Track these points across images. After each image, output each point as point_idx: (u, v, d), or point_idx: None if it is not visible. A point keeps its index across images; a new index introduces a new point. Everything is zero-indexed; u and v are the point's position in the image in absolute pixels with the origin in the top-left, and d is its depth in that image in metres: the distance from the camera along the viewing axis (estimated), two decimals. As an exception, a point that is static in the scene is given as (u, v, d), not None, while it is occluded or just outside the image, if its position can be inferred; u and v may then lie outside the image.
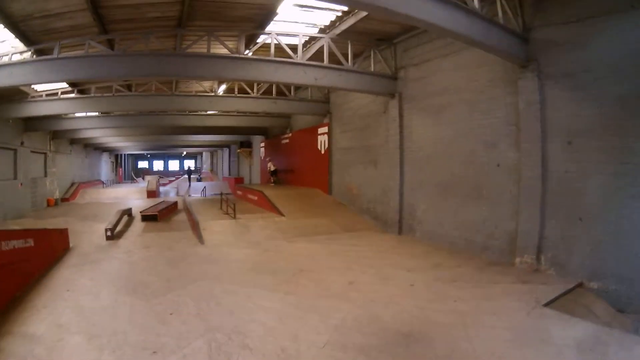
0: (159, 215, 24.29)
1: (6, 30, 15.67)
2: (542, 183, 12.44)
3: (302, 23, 17.55)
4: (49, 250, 14.31)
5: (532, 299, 9.76)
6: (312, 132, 29.39)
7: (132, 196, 43.62)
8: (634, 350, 7.17)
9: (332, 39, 17.37)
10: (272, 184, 34.29)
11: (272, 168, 35.25)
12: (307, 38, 17.82)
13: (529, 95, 12.77)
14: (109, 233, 18.84)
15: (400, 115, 18.98)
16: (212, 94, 26.39)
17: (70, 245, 16.95)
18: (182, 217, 25.63)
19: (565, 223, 11.90)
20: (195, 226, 20.43)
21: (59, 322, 8.81)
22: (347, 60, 17.78)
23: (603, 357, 6.98)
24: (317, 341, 7.81)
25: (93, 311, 9.54)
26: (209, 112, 32.28)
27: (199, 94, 26.24)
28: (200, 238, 18.40)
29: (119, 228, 21.00)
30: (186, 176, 61.36)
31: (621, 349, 7.22)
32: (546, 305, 9.51)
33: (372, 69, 19.29)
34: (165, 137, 46.95)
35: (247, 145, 49.52)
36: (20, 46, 16.84)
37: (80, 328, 8.52)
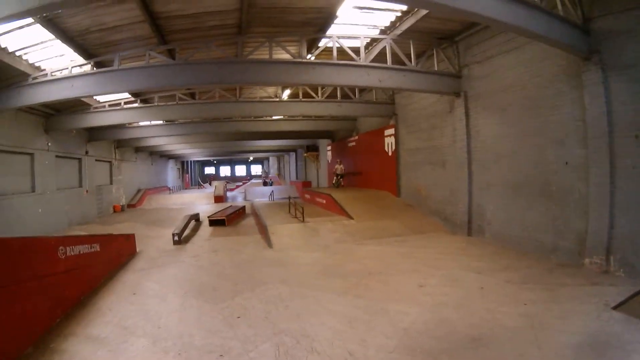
0: (227, 220, 24.72)
1: (64, 44, 16.17)
2: (611, 180, 12.07)
3: (363, 25, 17.56)
4: (115, 255, 14.79)
5: (601, 302, 9.51)
6: (379, 133, 29.28)
7: (199, 201, 44.52)
8: None
9: (394, 40, 17.29)
10: (334, 185, 34.77)
11: (339, 171, 34.89)
12: (368, 40, 17.72)
13: (593, 89, 12.42)
14: (176, 237, 19.29)
15: (467, 114, 18.74)
16: (277, 99, 26.68)
17: (137, 250, 17.47)
18: (250, 221, 25.99)
19: (635, 222, 11.51)
20: (263, 230, 20.63)
21: (124, 325, 9.07)
22: (410, 60, 17.67)
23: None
24: (385, 345, 7.78)
25: (159, 314, 9.79)
26: (274, 117, 32.55)
27: (263, 99, 26.37)
28: (268, 242, 18.55)
29: (186, 233, 21.46)
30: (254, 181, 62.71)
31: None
32: (615, 308, 9.23)
33: (436, 68, 19.07)
34: (231, 143, 47.36)
35: (313, 149, 49.89)
36: (80, 59, 17.30)
37: (145, 331, 8.74)
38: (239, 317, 9.41)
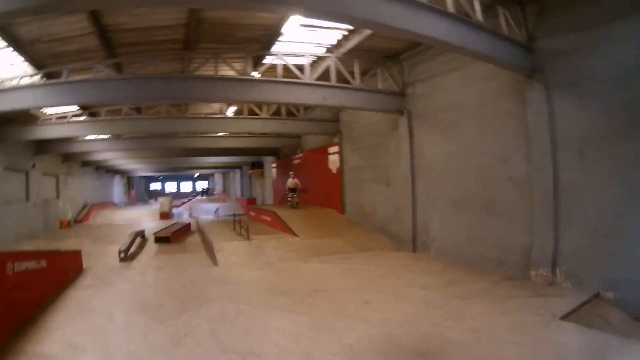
0: (172, 237, 24.33)
1: (15, 53, 15.91)
2: (555, 195, 12.37)
3: (309, 43, 17.66)
4: (63, 271, 14.40)
5: (549, 313, 9.67)
6: (323, 151, 29.46)
7: (145, 218, 43.88)
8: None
9: (339, 58, 17.44)
10: (291, 206, 29.99)
11: (292, 185, 30.25)
12: (314, 58, 17.88)
13: (537, 107, 12.75)
14: (122, 255, 18.94)
15: (410, 132, 18.99)
16: (222, 115, 26.58)
17: (84, 266, 17.04)
18: (195, 238, 25.63)
19: (580, 234, 11.78)
20: (208, 247, 20.39)
21: (73, 342, 8.86)
22: (354, 78, 17.82)
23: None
24: (331, 361, 7.69)
25: (107, 332, 9.59)
26: (219, 134, 32.54)
27: (208, 115, 26.45)
28: (214, 259, 18.34)
29: (132, 250, 21.08)
30: (199, 197, 63.09)
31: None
32: (563, 318, 9.43)
33: (380, 87, 19.29)
34: (176, 159, 47.14)
35: (258, 166, 49.77)
36: (30, 70, 17.07)
37: (94, 349, 8.57)
38: (186, 335, 9.28)
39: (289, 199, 30.20)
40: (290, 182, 30.54)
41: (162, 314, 10.89)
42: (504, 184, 14.34)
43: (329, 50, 18.01)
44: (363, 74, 18.73)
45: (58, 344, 8.76)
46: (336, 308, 11.19)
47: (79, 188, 41.68)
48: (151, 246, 22.95)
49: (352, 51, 17.50)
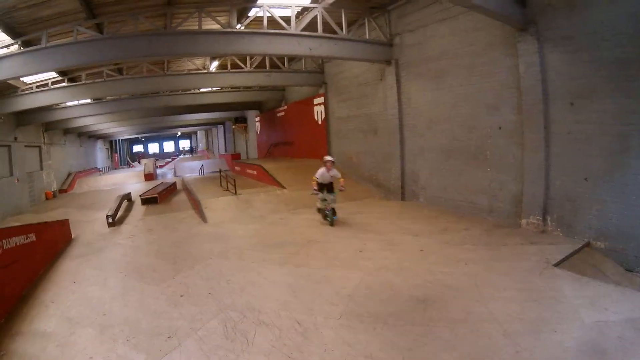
0: (159, 197, 24.41)
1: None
2: (545, 145, 12.48)
3: (295, -7, 17.30)
4: (52, 243, 14.29)
5: (542, 260, 9.86)
6: (308, 103, 29.40)
7: (130, 181, 43.80)
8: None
9: (326, 9, 17.23)
10: (321, 211, 17.61)
11: (328, 180, 15.90)
12: (299, 9, 17.64)
13: (528, 58, 12.73)
14: (110, 220, 18.89)
15: (398, 82, 18.99)
16: (205, 71, 26.22)
17: (73, 235, 16.99)
18: (182, 197, 25.76)
19: (571, 184, 11.95)
20: (196, 205, 20.42)
21: (69, 316, 8.74)
22: (341, 29, 17.74)
23: (618, 315, 7.00)
24: (332, 312, 7.84)
25: (102, 301, 9.51)
26: (202, 90, 32.09)
27: (191, 72, 26.02)
28: (203, 217, 18.43)
29: (120, 214, 21.05)
30: (183, 155, 62.85)
31: (635, 307, 7.28)
32: (556, 265, 9.59)
33: (367, 37, 19.15)
34: (159, 118, 46.43)
35: (242, 121, 49.32)
36: (7, 39, 16.57)
37: (91, 320, 8.45)
38: (182, 296, 9.29)
39: (320, 203, 15.98)
40: (323, 174, 15.76)
41: (156, 276, 10.90)
42: (493, 132, 14.43)
43: (314, 0, 17.71)
44: (350, 24, 18.70)
45: (54, 319, 8.65)
46: (330, 258, 11.30)
47: (62, 157, 40.85)
48: (138, 208, 22.98)
49: (338, 1, 17.30)
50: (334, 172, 15.67)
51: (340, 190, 15.55)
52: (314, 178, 15.51)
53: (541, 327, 6.74)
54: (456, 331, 6.71)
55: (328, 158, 15.94)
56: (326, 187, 15.63)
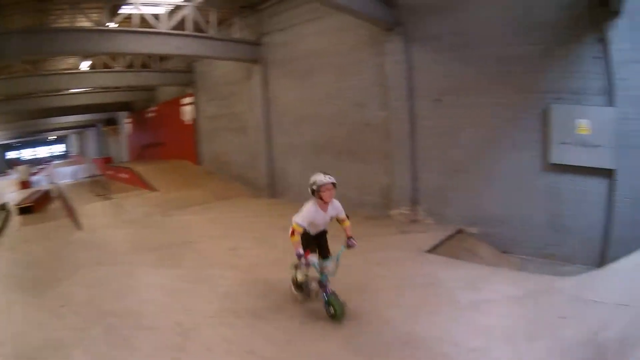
0: (34, 206, 23.48)
1: None
2: (411, 139, 13.05)
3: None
4: None
5: (414, 248, 10.25)
6: (178, 102, 29.40)
7: (6, 189, 41.89)
8: (521, 285, 7.61)
9: (197, 7, 17.29)
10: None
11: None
12: (172, 7, 17.42)
13: (395, 56, 13.24)
14: (-15, 233, 18.03)
15: (265, 81, 19.36)
16: (76, 70, 25.51)
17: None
18: (57, 204, 24.90)
19: (439, 175, 12.58)
20: (71, 212, 19.95)
21: (-46, 337, 8.23)
22: (211, 28, 17.86)
23: (494, 293, 7.39)
24: (210, 310, 7.90)
25: (-14, 318, 9.05)
26: (72, 91, 30.89)
27: (64, 71, 25.03)
28: (78, 224, 17.95)
29: (-4, 225, 20.14)
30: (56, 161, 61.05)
31: (511, 285, 7.67)
32: (429, 251, 10.03)
33: (236, 36, 19.35)
34: (32, 122, 44.14)
35: (113, 122, 48.19)
36: None
37: (-23, 340, 8.02)
38: (62, 306, 8.97)
39: (300, 272, 7.86)
40: (315, 215, 7.62)
41: (37, 288, 10.45)
42: (361, 128, 14.93)
43: (187, -1, 17.64)
44: (220, 23, 18.66)
45: None
46: (204, 258, 11.43)
47: None
48: (15, 218, 22.05)
49: (209, 0, 17.36)
50: (336, 207, 8.03)
51: (349, 247, 7.64)
52: (294, 226, 7.22)
53: (417, 311, 7.05)
54: (332, 321, 6.87)
55: (325, 179, 7.88)
56: (319, 240, 7.82)
